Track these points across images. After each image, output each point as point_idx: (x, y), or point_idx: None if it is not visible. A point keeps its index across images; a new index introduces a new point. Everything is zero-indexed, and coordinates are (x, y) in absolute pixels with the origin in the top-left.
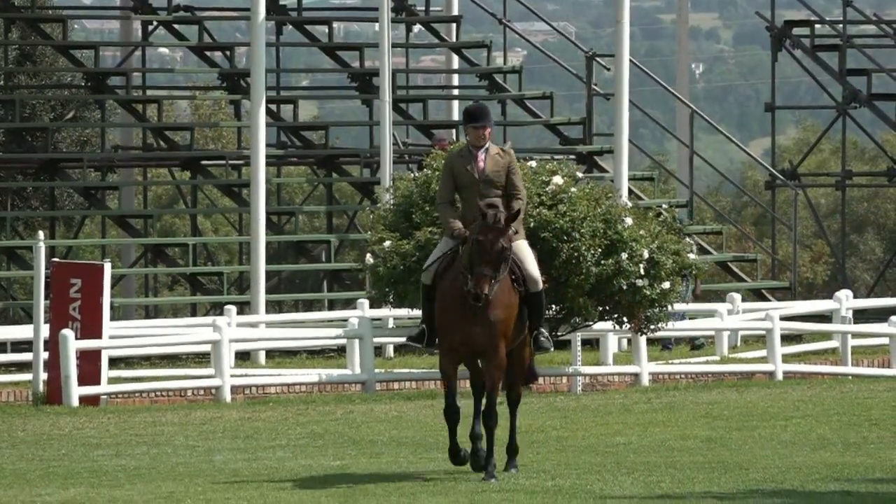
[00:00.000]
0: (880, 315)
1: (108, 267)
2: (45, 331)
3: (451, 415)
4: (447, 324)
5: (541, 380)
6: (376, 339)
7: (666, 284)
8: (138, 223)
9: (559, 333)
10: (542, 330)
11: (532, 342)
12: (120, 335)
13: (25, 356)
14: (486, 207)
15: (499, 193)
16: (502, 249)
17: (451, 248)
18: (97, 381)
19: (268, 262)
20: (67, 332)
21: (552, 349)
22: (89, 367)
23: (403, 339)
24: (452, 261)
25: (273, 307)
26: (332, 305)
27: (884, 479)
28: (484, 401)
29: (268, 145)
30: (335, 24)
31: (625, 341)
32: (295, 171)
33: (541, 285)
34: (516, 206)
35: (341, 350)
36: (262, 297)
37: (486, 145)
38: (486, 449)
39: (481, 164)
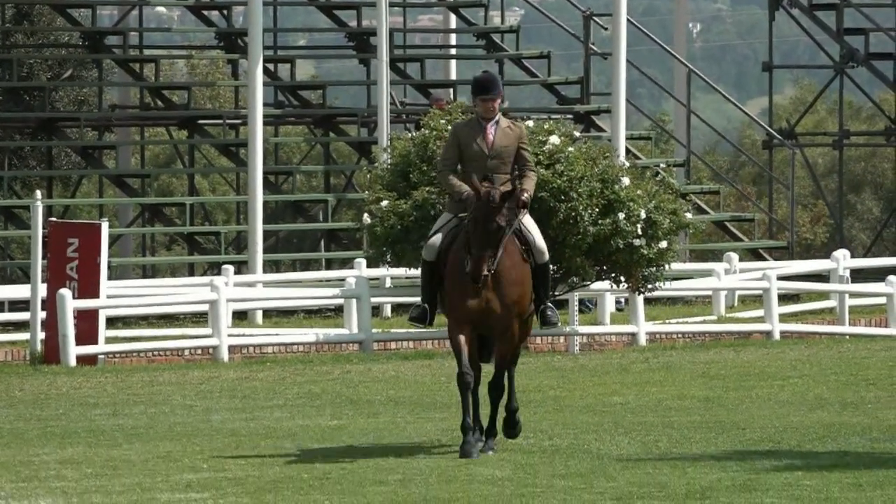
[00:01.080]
0: (878, 275)
1: (105, 226)
2: (42, 290)
3: (465, 380)
4: (459, 298)
5: (538, 339)
6: (374, 299)
7: (663, 244)
8: (136, 182)
9: (556, 293)
10: (549, 304)
11: (539, 316)
12: (117, 295)
13: (23, 316)
14: (481, 185)
15: (507, 169)
16: (498, 228)
17: (454, 223)
18: (95, 341)
19: (265, 221)
20: (65, 292)
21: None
22: (87, 326)
23: (400, 300)
24: (457, 235)
25: (270, 267)
26: (329, 265)
27: (880, 439)
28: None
29: (265, 105)
30: None
31: (622, 301)
32: (292, 131)
33: (547, 256)
34: (527, 184)
35: (339, 310)
36: (259, 257)
37: (497, 117)
38: (490, 420)
39: (491, 137)
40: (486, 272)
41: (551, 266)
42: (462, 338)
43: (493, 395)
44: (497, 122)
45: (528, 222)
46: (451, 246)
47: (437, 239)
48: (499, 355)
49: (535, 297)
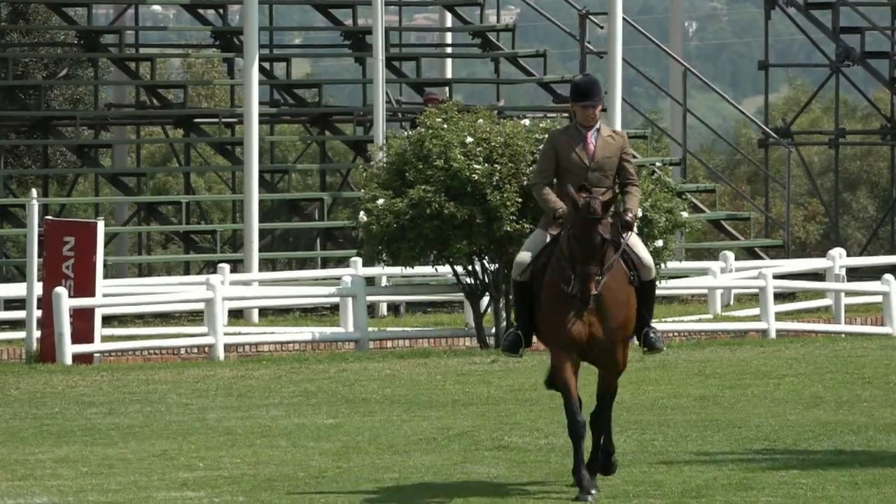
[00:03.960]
0: (873, 273)
1: (101, 225)
2: (38, 289)
3: (578, 430)
4: (560, 321)
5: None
6: (369, 298)
7: (659, 242)
8: (131, 181)
9: None
10: (653, 325)
11: (641, 340)
12: (113, 293)
13: (19, 314)
14: (577, 195)
15: (609, 183)
16: (602, 241)
17: (547, 242)
18: (90, 340)
19: (261, 220)
20: (61, 290)
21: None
22: (82, 325)
23: (396, 298)
24: (551, 253)
25: (266, 265)
26: (325, 263)
27: (876, 437)
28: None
29: (261, 103)
30: None
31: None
32: (288, 129)
33: (654, 273)
34: (632, 203)
35: (334, 308)
36: (255, 256)
37: (597, 125)
38: (591, 453)
39: (592, 147)
40: (594, 291)
41: None
42: (571, 378)
43: (596, 432)
44: (598, 130)
45: (634, 241)
46: (545, 266)
47: (526, 257)
48: (604, 385)
49: (638, 317)
